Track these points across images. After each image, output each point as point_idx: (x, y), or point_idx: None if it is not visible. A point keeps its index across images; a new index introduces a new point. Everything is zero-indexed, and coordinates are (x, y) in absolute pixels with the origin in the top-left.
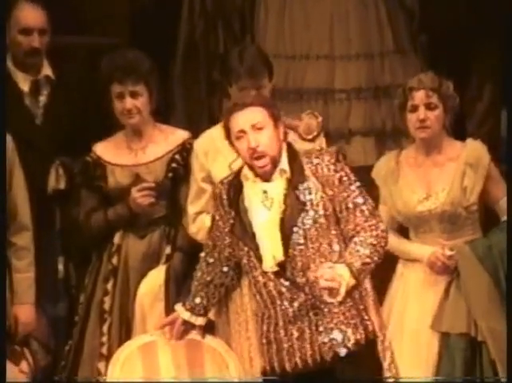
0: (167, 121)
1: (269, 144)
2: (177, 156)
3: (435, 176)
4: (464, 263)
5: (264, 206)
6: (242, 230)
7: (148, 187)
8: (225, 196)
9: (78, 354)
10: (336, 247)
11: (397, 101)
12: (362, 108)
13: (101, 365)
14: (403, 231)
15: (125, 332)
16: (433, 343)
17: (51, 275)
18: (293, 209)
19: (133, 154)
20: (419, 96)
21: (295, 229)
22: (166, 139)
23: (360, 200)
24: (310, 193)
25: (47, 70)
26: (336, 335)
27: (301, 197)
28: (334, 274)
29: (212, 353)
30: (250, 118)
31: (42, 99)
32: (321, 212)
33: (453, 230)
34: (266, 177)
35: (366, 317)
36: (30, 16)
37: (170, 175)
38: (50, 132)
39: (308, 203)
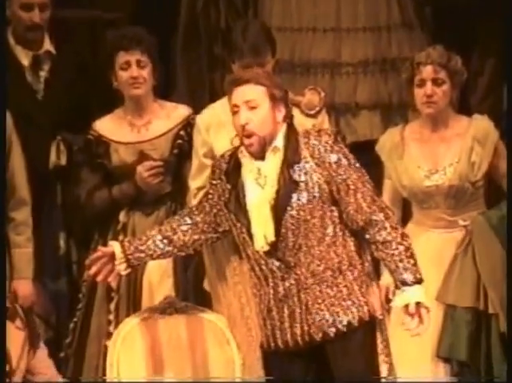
0: (168, 97)
1: (259, 125)
2: (182, 132)
3: (442, 151)
4: (478, 233)
5: (257, 184)
6: (237, 206)
7: (157, 165)
8: (224, 169)
9: (84, 332)
10: (329, 229)
11: (404, 75)
12: (369, 81)
13: (109, 343)
14: (405, 206)
15: (133, 309)
16: (437, 317)
17: (52, 251)
18: (286, 188)
19: (136, 131)
20: (426, 71)
21: (288, 209)
22: (168, 115)
23: (359, 184)
24: (306, 173)
25: (48, 45)
26: (327, 316)
27: (296, 177)
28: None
29: (213, 328)
30: (245, 94)
31: (43, 74)
32: (316, 193)
33: (458, 206)
34: (258, 156)
35: (361, 298)
36: None
37: (175, 151)
38: (51, 108)
39: (302, 184)
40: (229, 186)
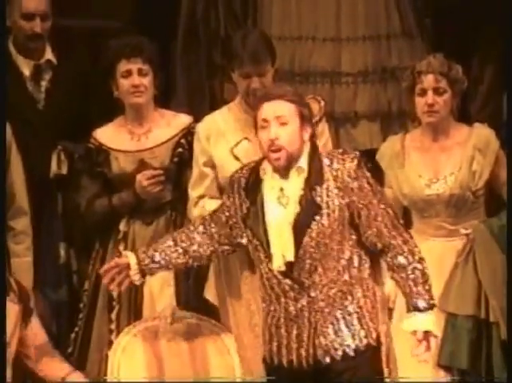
0: (167, 103)
1: (288, 140)
2: (182, 141)
3: (443, 160)
4: (480, 241)
5: (279, 203)
6: (255, 223)
7: (157, 174)
8: (243, 184)
9: (86, 341)
10: (346, 253)
11: (405, 84)
12: (368, 90)
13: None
14: (406, 215)
15: (134, 318)
16: (438, 326)
17: (52, 260)
18: (308, 210)
19: (136, 139)
20: (428, 80)
21: (308, 230)
22: (168, 123)
23: (380, 209)
24: (327, 196)
25: (49, 55)
26: (334, 340)
27: (318, 199)
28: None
29: (214, 337)
30: (276, 109)
31: (44, 84)
32: (337, 217)
33: (458, 214)
34: (282, 173)
35: (370, 324)
36: (32, 0)
37: (175, 159)
38: (52, 117)
39: (323, 206)
40: (247, 201)
